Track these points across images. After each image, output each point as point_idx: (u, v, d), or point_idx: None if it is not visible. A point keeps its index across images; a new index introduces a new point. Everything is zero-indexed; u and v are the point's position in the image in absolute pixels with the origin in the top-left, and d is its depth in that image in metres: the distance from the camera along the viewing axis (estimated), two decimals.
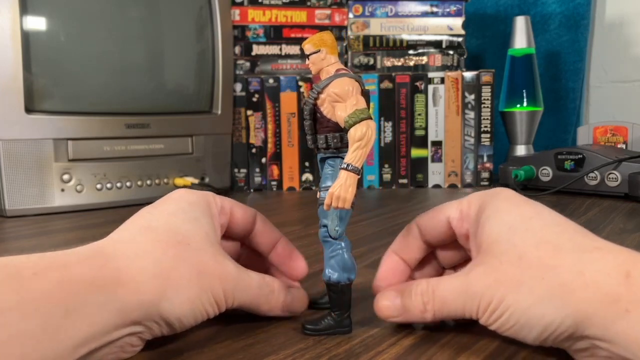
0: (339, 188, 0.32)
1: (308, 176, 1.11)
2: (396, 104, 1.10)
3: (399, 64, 1.14)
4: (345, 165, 0.32)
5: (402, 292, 0.35)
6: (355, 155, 0.32)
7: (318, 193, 0.36)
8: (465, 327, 0.36)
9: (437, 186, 1.12)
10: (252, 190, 1.11)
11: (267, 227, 0.41)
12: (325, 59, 0.35)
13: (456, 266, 0.39)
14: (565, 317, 0.28)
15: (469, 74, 1.10)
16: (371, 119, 0.33)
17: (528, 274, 0.30)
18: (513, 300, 0.30)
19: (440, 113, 1.11)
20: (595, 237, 0.31)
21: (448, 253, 0.39)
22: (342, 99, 0.33)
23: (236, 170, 1.11)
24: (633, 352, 0.27)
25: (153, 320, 0.31)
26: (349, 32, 1.14)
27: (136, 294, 0.29)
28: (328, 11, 1.14)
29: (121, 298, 0.29)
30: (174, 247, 0.32)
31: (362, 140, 0.32)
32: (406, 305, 0.34)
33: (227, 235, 0.39)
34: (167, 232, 0.33)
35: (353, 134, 0.32)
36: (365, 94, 0.35)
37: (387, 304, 0.35)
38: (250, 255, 0.42)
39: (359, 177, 0.33)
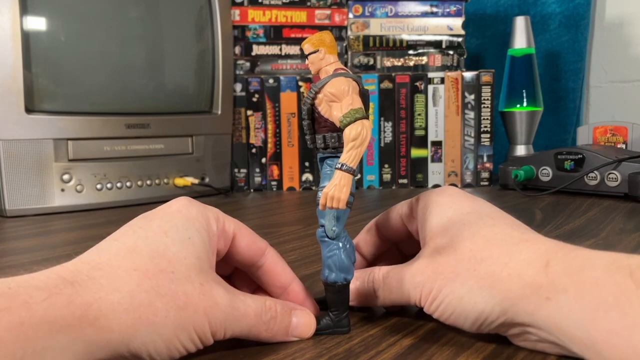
0: (334, 188, 0.32)
1: (308, 176, 1.12)
2: (396, 104, 1.11)
3: (399, 64, 1.14)
4: (339, 165, 0.32)
5: (358, 278, 0.38)
6: (349, 155, 0.32)
7: (318, 193, 0.36)
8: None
9: (437, 186, 1.12)
10: (252, 190, 1.11)
11: (278, 266, 0.37)
12: (324, 59, 0.35)
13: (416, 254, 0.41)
14: (494, 305, 0.30)
15: (468, 74, 1.10)
16: (366, 118, 0.33)
17: (462, 266, 0.32)
18: (449, 291, 0.32)
19: (440, 113, 1.11)
20: (526, 230, 0.34)
21: (407, 245, 0.41)
22: (338, 98, 0.33)
23: (236, 170, 1.11)
24: (557, 336, 0.29)
25: (121, 356, 0.28)
26: (349, 32, 1.14)
27: (105, 332, 0.27)
28: (328, 11, 1.14)
29: (88, 338, 0.26)
30: (154, 278, 0.29)
31: (357, 140, 0.32)
32: (359, 290, 0.38)
33: (225, 260, 0.36)
34: (151, 257, 0.30)
35: (348, 133, 0.32)
36: (364, 94, 0.35)
37: None
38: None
39: (356, 177, 0.33)
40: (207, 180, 1.05)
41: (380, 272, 0.37)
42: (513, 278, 0.30)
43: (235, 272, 0.39)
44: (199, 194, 1.03)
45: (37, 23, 0.85)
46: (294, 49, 1.14)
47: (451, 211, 0.35)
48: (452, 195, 0.37)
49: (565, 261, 0.29)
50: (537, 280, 0.29)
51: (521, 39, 1.15)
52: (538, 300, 0.29)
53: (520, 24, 1.15)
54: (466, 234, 0.33)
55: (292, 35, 1.14)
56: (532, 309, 0.29)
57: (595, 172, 0.90)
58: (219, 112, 1.06)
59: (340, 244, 0.35)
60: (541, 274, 0.29)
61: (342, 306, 0.36)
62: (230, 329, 0.31)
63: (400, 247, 0.43)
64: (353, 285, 0.37)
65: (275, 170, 1.11)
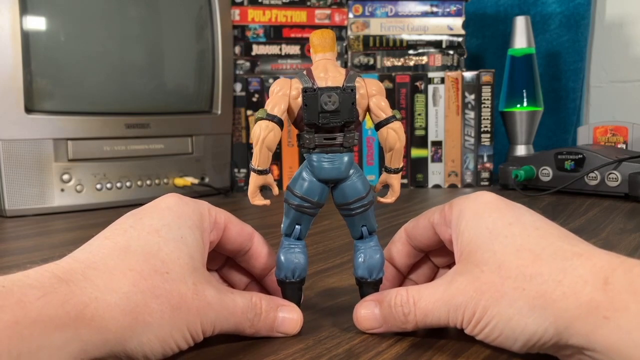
0: None
1: None
2: (396, 104, 1.10)
3: (399, 64, 1.14)
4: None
5: (380, 302, 0.34)
6: (253, 154, 0.34)
7: None
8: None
9: (437, 186, 1.12)
10: None
11: (264, 250, 0.38)
12: (313, 59, 0.36)
13: (450, 265, 0.38)
14: (548, 327, 0.28)
15: (469, 74, 1.10)
16: (264, 119, 0.33)
17: (508, 284, 0.29)
18: (496, 312, 0.29)
19: (440, 113, 1.11)
20: (576, 241, 0.31)
21: (440, 255, 0.39)
22: None
23: (236, 170, 1.11)
24: (614, 359, 0.26)
25: (116, 357, 0.29)
26: (349, 32, 1.14)
27: (101, 333, 0.27)
28: (328, 11, 1.14)
29: (84, 337, 0.26)
30: (149, 279, 0.29)
31: (254, 141, 0.34)
32: (386, 316, 0.34)
33: (216, 250, 0.37)
34: (146, 258, 0.30)
35: None
36: (311, 96, 0.33)
37: (366, 314, 0.35)
38: (234, 262, 0.39)
39: (262, 174, 0.35)
40: (207, 180, 1.04)
41: (409, 293, 0.33)
42: (568, 297, 0.28)
43: (227, 263, 0.39)
44: (199, 194, 1.03)
45: (37, 23, 0.85)
46: (294, 49, 1.14)
47: (490, 221, 0.32)
48: (490, 203, 0.34)
49: (627, 278, 0.27)
50: (594, 299, 0.27)
51: (521, 38, 1.15)
52: (595, 320, 0.27)
53: (521, 23, 1.15)
54: (510, 249, 0.31)
55: (292, 35, 1.14)
56: (588, 330, 0.27)
57: (595, 172, 0.90)
58: (219, 112, 1.06)
59: (285, 242, 0.36)
60: (599, 291, 0.27)
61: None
62: (219, 326, 0.32)
63: (431, 256, 0.39)
64: (375, 311, 0.34)
65: (275, 170, 1.11)
